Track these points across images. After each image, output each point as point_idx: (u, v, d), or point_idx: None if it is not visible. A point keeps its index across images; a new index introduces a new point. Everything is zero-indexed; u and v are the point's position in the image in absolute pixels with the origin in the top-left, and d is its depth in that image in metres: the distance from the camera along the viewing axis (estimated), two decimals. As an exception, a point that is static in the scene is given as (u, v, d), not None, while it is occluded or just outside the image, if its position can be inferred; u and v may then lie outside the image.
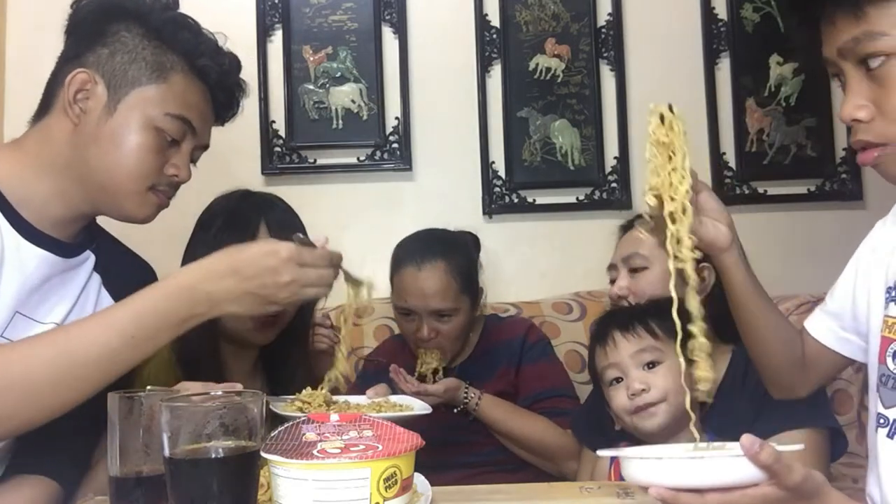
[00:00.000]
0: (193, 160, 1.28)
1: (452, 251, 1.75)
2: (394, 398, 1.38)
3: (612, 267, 1.63)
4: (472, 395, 1.67)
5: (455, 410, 1.67)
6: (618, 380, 1.32)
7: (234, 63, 1.32)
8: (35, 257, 1.18)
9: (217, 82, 1.27)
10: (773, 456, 0.77)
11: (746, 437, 0.77)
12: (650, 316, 1.33)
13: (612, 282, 1.61)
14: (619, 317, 1.39)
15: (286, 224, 1.46)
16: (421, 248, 1.75)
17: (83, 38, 1.21)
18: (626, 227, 1.66)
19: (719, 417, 1.28)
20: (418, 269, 1.71)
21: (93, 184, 1.20)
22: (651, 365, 1.30)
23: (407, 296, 1.72)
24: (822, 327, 1.18)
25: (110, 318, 1.04)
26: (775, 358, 1.20)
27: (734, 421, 1.26)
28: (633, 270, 1.55)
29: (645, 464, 0.84)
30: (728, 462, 0.80)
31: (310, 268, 1.10)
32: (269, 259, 1.08)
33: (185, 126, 1.23)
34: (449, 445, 1.64)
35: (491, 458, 1.71)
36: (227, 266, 1.08)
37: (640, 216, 1.53)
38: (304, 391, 1.21)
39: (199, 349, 1.34)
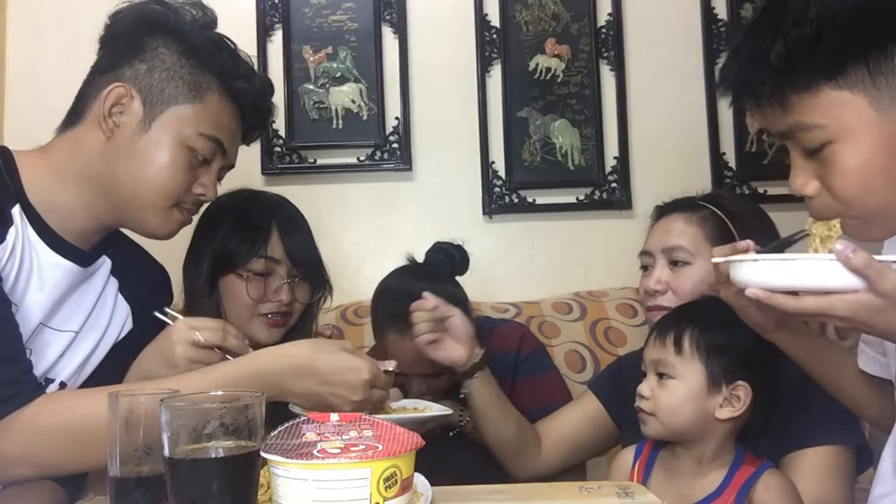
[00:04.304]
0: (219, 178, 1.29)
1: None
2: (409, 402, 1.36)
3: (646, 254, 1.48)
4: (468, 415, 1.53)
5: (451, 434, 1.57)
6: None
7: (268, 86, 1.32)
8: (59, 268, 1.18)
9: (250, 105, 1.28)
10: (865, 261, 0.76)
11: (841, 242, 0.77)
12: (688, 327, 1.25)
13: (644, 269, 1.48)
14: (667, 321, 1.29)
15: (295, 225, 1.46)
16: (402, 310, 1.49)
17: (120, 50, 1.21)
18: (664, 210, 1.51)
19: (750, 431, 1.25)
20: (401, 337, 1.50)
21: (120, 197, 1.20)
22: (662, 376, 1.25)
23: (394, 358, 1.47)
24: (863, 358, 1.16)
25: (188, 382, 1.07)
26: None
27: (764, 435, 1.25)
28: (674, 263, 1.42)
29: (742, 265, 0.84)
30: (822, 265, 0.79)
31: (378, 390, 1.17)
32: (351, 375, 1.13)
33: (217, 147, 1.23)
34: (440, 472, 1.56)
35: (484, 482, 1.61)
36: (308, 365, 1.13)
37: (681, 199, 1.49)
38: None
39: None
